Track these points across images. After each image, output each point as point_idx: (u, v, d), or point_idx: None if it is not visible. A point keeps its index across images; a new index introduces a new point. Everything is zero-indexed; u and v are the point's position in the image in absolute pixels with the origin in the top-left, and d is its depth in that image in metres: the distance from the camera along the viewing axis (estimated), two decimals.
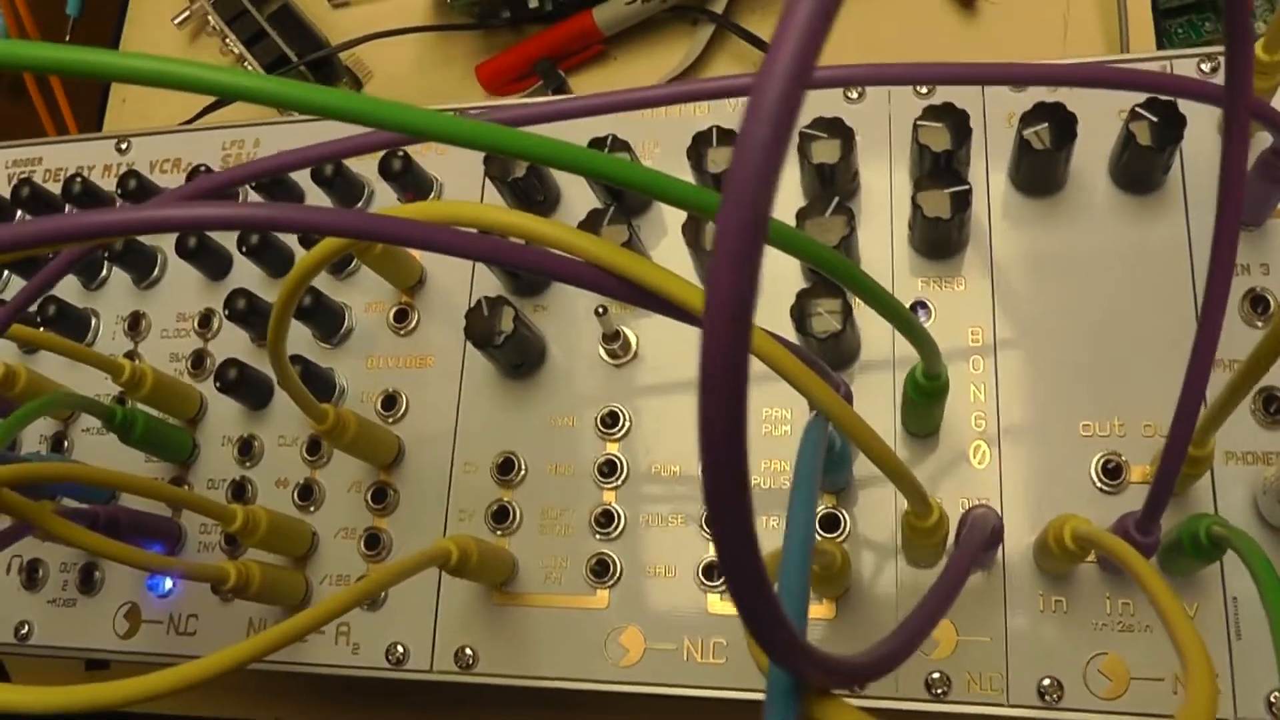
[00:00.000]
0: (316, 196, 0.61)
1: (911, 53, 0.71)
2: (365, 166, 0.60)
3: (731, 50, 0.74)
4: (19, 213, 0.67)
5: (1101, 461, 0.47)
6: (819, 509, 0.49)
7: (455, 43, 0.79)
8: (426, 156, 0.60)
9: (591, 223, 0.52)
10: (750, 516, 0.21)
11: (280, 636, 0.37)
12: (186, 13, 0.81)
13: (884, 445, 0.36)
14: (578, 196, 0.58)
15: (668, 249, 0.55)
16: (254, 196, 0.62)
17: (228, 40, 0.77)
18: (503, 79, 0.75)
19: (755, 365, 0.33)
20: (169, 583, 0.58)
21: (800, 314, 0.49)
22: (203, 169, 0.61)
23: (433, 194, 0.59)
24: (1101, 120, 0.52)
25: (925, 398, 0.45)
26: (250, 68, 0.76)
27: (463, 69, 0.78)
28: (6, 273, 0.66)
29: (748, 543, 0.22)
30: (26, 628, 0.59)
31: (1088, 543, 0.41)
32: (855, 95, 0.55)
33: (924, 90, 0.55)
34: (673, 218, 0.56)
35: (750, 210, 0.19)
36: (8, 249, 0.30)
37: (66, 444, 0.62)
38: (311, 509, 0.56)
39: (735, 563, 0.22)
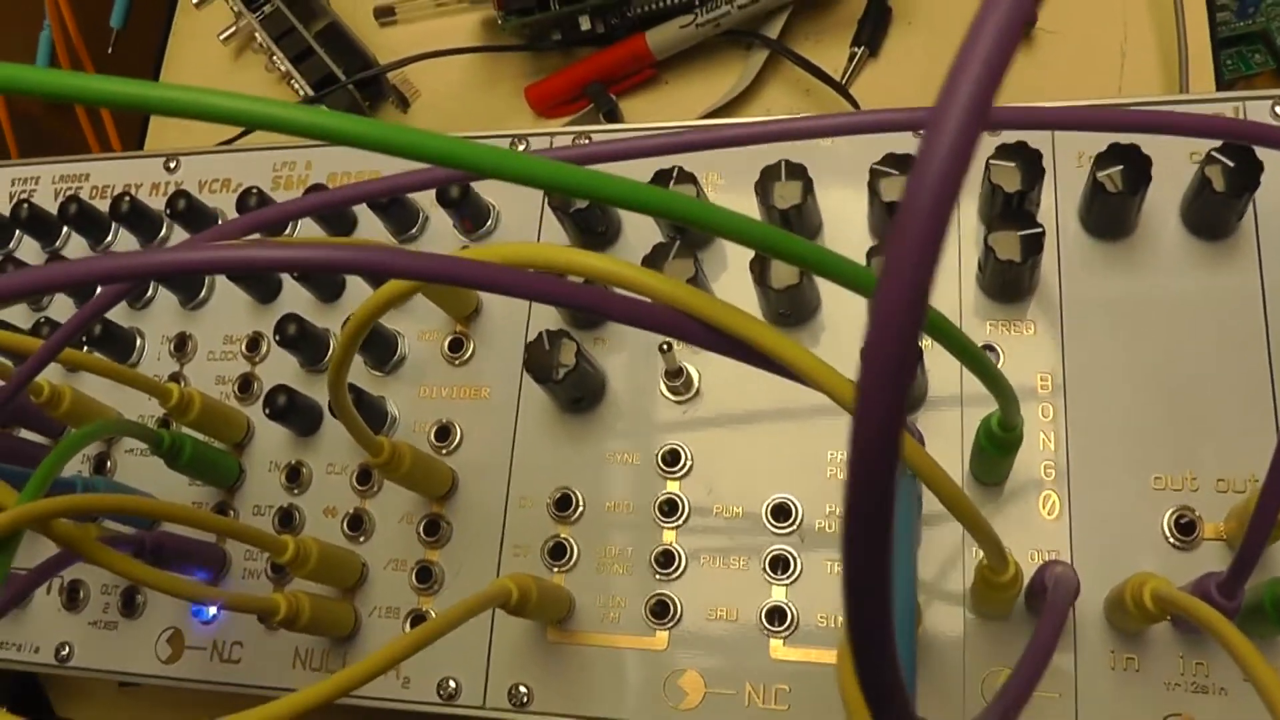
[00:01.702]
0: (369, 221, 0.60)
1: None
2: (423, 193, 0.59)
3: (785, 76, 0.73)
4: (64, 229, 0.66)
5: (1174, 517, 0.46)
6: None
7: (504, 63, 0.78)
8: (484, 183, 0.59)
9: (656, 257, 0.52)
10: (889, 610, 0.21)
11: (357, 676, 0.37)
12: (232, 28, 0.80)
13: (969, 503, 0.36)
14: (637, 228, 0.57)
15: (729, 283, 0.54)
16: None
17: (275, 58, 0.76)
18: (552, 101, 0.75)
19: (821, 399, 0.32)
20: (212, 610, 0.57)
21: None
22: (254, 192, 0.60)
23: (490, 222, 0.58)
24: (1172, 162, 0.51)
25: (999, 449, 0.45)
26: (297, 86, 0.76)
27: (511, 89, 0.77)
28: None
29: (885, 644, 0.21)
30: (67, 649, 0.59)
31: (1169, 605, 0.41)
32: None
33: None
34: (735, 251, 0.55)
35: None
36: (63, 287, 0.29)
37: (109, 465, 0.61)
38: (361, 539, 0.55)
39: (870, 659, 0.21)
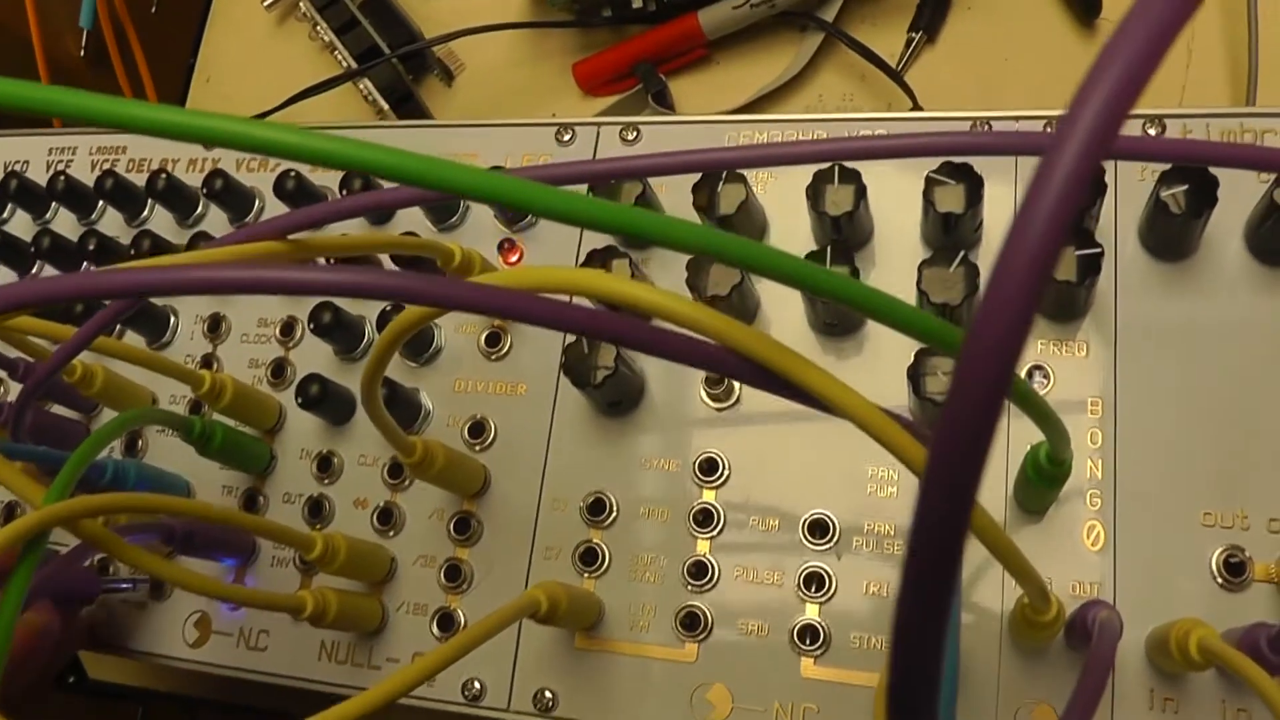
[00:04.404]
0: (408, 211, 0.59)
1: (1032, 72, 0.68)
2: None
3: (840, 60, 0.71)
4: (100, 203, 0.65)
5: (1224, 556, 0.45)
6: None
7: (552, 38, 0.76)
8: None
9: (701, 263, 0.50)
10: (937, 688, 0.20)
11: (386, 694, 0.37)
12: None
13: (1015, 549, 0.35)
14: None
15: (774, 288, 0.53)
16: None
17: (318, 28, 0.75)
18: (600, 79, 0.73)
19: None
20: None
21: (917, 374, 0.47)
22: (292, 175, 0.59)
23: (528, 218, 0.57)
24: (1238, 180, 0.48)
25: (1047, 482, 0.43)
26: (340, 57, 0.74)
27: (559, 65, 0.75)
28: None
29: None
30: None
31: (1216, 659, 0.39)
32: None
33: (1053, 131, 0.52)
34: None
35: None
36: (84, 299, 0.28)
37: (140, 444, 0.60)
38: (391, 533, 0.55)
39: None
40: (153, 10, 0.84)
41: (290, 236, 0.39)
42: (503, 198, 0.26)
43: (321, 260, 0.42)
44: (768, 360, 0.31)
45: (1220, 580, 0.45)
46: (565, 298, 0.37)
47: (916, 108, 0.67)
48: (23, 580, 0.38)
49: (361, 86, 0.73)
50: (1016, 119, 0.53)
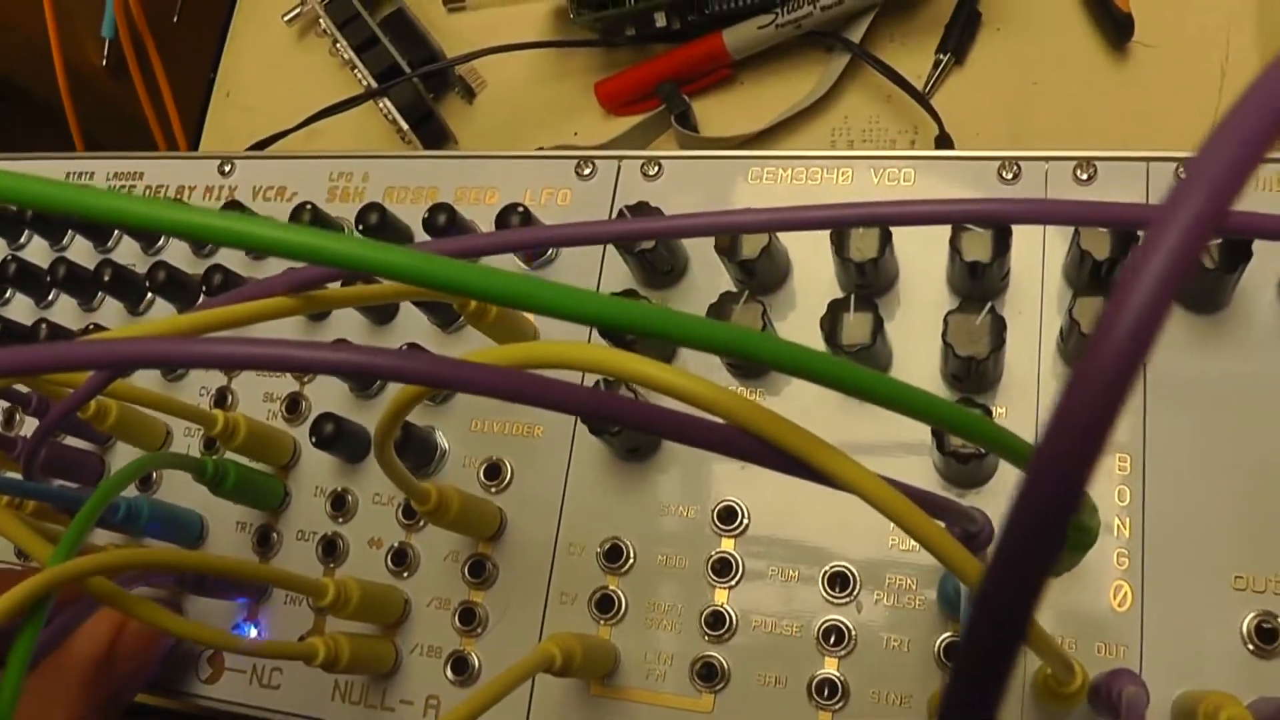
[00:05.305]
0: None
1: (1061, 96, 0.67)
2: (481, 215, 0.57)
3: (866, 81, 0.70)
4: (115, 232, 0.65)
5: (1255, 621, 0.43)
6: (946, 637, 0.46)
7: (575, 57, 0.75)
8: (546, 212, 0.57)
9: (723, 305, 0.49)
10: None
11: None
12: (297, 11, 0.78)
13: (1040, 628, 0.34)
14: (705, 267, 0.54)
15: (797, 323, 0.52)
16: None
17: (338, 45, 0.74)
18: (623, 99, 0.72)
19: (885, 468, 0.30)
20: (253, 631, 0.56)
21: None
22: (308, 208, 0.58)
23: (550, 251, 0.56)
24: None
25: (1070, 547, 0.42)
26: (359, 75, 0.73)
27: (581, 84, 0.74)
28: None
29: None
30: None
31: None
32: (1010, 175, 0.51)
33: (1084, 176, 0.51)
34: (804, 296, 0.52)
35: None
36: (64, 370, 0.27)
37: (154, 476, 0.60)
38: (405, 574, 0.54)
39: None
40: (174, 20, 0.84)
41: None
42: (508, 299, 0.25)
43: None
44: (782, 442, 0.29)
45: (1251, 646, 0.43)
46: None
47: (943, 133, 0.66)
48: (26, 644, 0.38)
49: (381, 105, 0.72)
50: (1046, 159, 0.51)
